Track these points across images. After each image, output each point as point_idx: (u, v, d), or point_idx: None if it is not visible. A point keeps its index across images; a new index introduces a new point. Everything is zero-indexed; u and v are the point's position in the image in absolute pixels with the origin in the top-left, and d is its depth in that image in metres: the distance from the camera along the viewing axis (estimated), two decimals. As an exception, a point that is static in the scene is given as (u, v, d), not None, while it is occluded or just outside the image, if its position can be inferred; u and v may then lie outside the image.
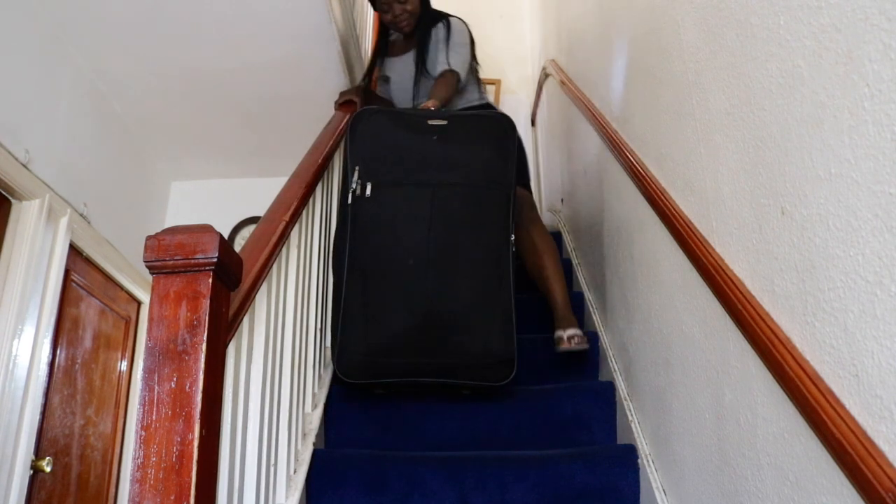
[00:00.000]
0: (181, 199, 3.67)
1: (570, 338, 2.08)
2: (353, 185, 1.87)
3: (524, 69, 4.61)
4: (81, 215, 2.65)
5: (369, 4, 3.32)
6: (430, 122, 1.96)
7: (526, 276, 2.28)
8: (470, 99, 2.49)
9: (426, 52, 2.43)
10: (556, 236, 3.19)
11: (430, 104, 2.08)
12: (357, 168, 1.89)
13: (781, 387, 1.01)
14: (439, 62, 2.35)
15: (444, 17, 2.49)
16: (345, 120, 2.29)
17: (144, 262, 0.98)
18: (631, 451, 1.71)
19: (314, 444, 1.71)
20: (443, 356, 1.75)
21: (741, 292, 1.15)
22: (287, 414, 1.51)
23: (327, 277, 2.09)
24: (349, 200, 1.87)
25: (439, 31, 2.44)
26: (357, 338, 1.75)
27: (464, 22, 2.50)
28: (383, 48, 2.62)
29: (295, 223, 1.62)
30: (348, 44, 2.76)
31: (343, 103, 2.49)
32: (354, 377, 1.77)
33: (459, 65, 2.35)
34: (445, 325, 1.75)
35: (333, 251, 1.96)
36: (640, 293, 1.79)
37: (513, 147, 1.96)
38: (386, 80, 2.59)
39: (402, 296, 1.76)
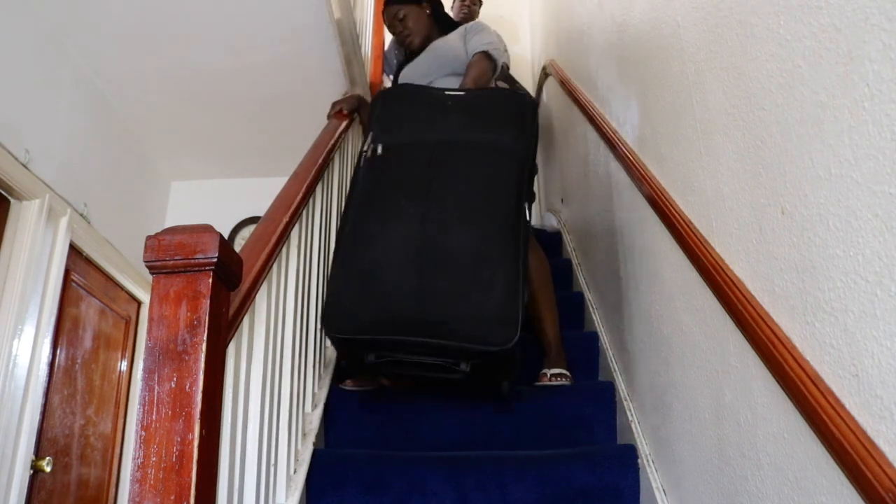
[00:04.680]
0: (181, 199, 3.67)
1: (553, 376, 2.00)
2: (366, 150, 1.82)
3: (524, 69, 4.61)
4: (81, 215, 2.65)
5: (369, 4, 3.32)
6: (448, 93, 1.92)
7: None
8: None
9: (439, 49, 2.37)
10: (556, 236, 3.19)
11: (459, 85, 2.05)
12: (370, 133, 1.85)
13: (781, 387, 1.01)
14: (470, 48, 2.26)
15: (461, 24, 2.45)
16: (340, 127, 2.28)
17: (144, 262, 0.98)
18: (631, 451, 1.71)
19: (314, 444, 1.71)
20: (433, 305, 1.53)
21: (741, 292, 1.15)
22: (287, 414, 1.51)
23: (327, 277, 2.09)
24: (360, 165, 1.82)
25: (458, 31, 2.39)
26: (343, 282, 1.60)
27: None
28: (403, 61, 2.56)
29: (295, 223, 1.62)
30: (348, 44, 2.76)
31: (336, 113, 2.42)
32: (337, 328, 1.58)
33: (492, 47, 2.25)
34: (437, 270, 1.56)
35: (341, 218, 1.88)
36: (640, 293, 1.79)
37: (530, 122, 1.85)
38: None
39: (393, 233, 1.62)
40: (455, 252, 1.57)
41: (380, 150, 1.77)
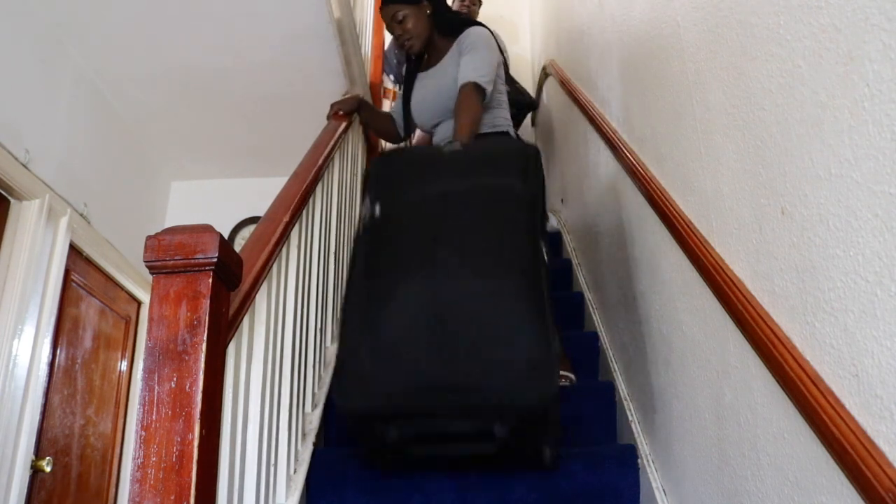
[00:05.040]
0: (181, 199, 3.67)
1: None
2: (365, 213, 1.66)
3: (524, 69, 4.61)
4: (81, 215, 2.65)
5: (369, 4, 3.30)
6: (445, 149, 1.79)
7: None
8: (496, 124, 2.21)
9: (441, 83, 2.20)
10: (556, 236, 3.19)
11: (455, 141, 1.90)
12: (368, 196, 1.69)
13: (781, 387, 1.01)
14: (460, 75, 2.10)
15: (461, 29, 2.22)
16: (340, 127, 2.28)
17: (144, 262, 0.98)
18: (631, 451, 1.71)
19: (314, 444, 1.71)
20: (458, 366, 1.37)
21: (741, 292, 1.15)
22: (287, 414, 1.51)
23: (327, 277, 2.09)
24: (360, 230, 1.65)
25: (454, 50, 2.20)
26: (356, 353, 1.43)
27: (485, 26, 2.26)
28: (412, 66, 2.36)
29: (295, 223, 1.62)
30: (348, 44, 2.76)
31: (334, 114, 2.39)
32: (351, 399, 1.40)
33: (479, 73, 2.07)
34: (457, 329, 1.41)
35: (346, 284, 1.71)
36: (640, 293, 1.79)
37: (537, 173, 1.69)
38: (407, 99, 2.35)
39: (405, 295, 1.46)
40: (474, 307, 1.43)
41: (377, 211, 1.64)
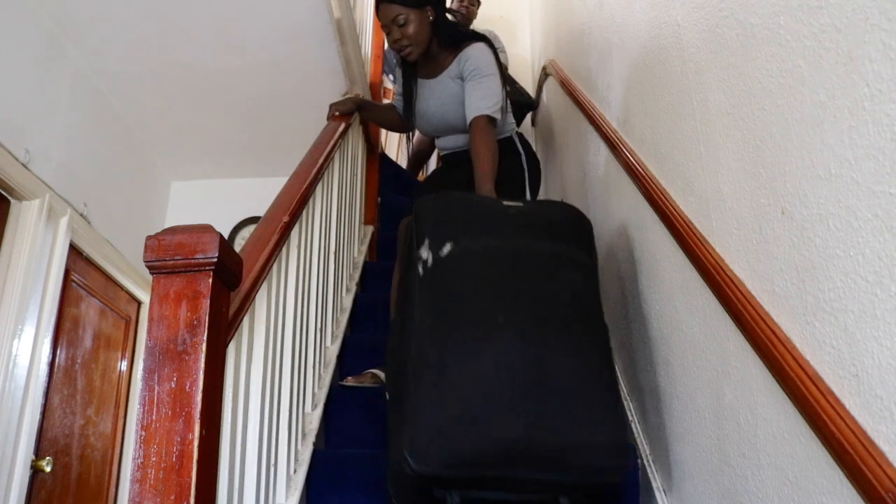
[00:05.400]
0: (181, 199, 3.67)
1: None
2: (424, 256, 1.49)
3: (524, 69, 4.61)
4: (81, 215, 2.65)
5: (369, 4, 3.28)
6: (507, 203, 1.64)
7: None
8: (501, 130, 2.16)
9: (445, 100, 2.12)
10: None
11: (486, 191, 1.84)
12: (426, 239, 1.51)
13: (781, 387, 1.01)
14: (468, 107, 2.01)
15: (460, 42, 2.11)
16: (340, 128, 2.27)
17: (144, 262, 0.99)
18: (631, 452, 1.71)
19: (314, 444, 1.71)
20: (544, 436, 1.30)
21: (741, 292, 1.15)
22: (287, 414, 1.51)
23: (327, 277, 2.09)
24: (420, 274, 1.48)
25: (453, 67, 2.10)
26: (431, 411, 1.31)
27: (485, 40, 2.12)
28: (409, 68, 2.23)
29: (295, 223, 1.62)
30: (348, 44, 2.76)
31: (332, 116, 2.36)
32: (428, 462, 1.28)
33: (488, 104, 2.00)
34: (544, 395, 1.34)
35: (392, 342, 1.61)
36: (639, 293, 1.79)
37: (592, 247, 1.62)
38: (409, 101, 2.26)
39: (488, 352, 1.35)
40: (561, 374, 1.36)
41: (445, 252, 1.48)
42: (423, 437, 1.30)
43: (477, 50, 2.07)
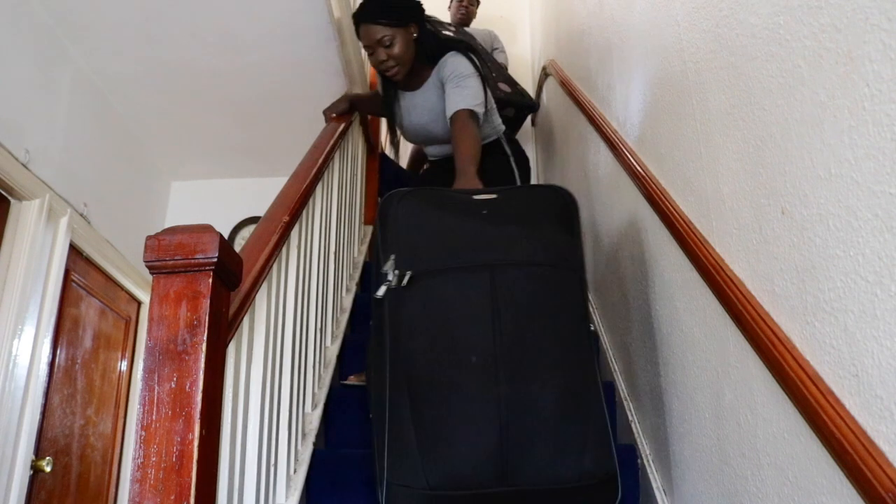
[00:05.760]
0: (181, 199, 3.67)
1: None
2: (389, 277, 1.43)
3: (524, 69, 4.61)
4: (81, 215, 2.65)
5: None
6: (476, 198, 1.57)
7: None
8: (486, 134, 2.16)
9: (426, 115, 2.13)
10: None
11: (462, 183, 1.78)
12: (392, 257, 1.46)
13: (781, 387, 1.01)
14: (449, 105, 1.99)
15: (438, 55, 2.08)
16: (340, 127, 2.28)
17: (144, 262, 0.98)
18: (631, 452, 1.71)
19: (314, 444, 1.70)
20: (526, 481, 1.29)
21: (741, 292, 1.15)
22: (287, 414, 1.51)
23: (327, 277, 2.09)
24: (380, 294, 1.43)
25: (433, 80, 2.10)
26: (412, 473, 1.30)
27: (462, 52, 2.09)
28: (390, 82, 2.17)
29: (295, 223, 1.62)
30: (348, 44, 2.76)
31: (329, 118, 2.36)
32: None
33: (469, 101, 1.96)
34: (526, 443, 1.31)
35: (368, 362, 1.60)
36: (640, 293, 1.79)
37: (578, 223, 1.57)
38: (392, 110, 2.25)
39: (467, 410, 1.33)
40: (540, 418, 1.34)
41: (406, 278, 1.42)
42: (401, 501, 1.31)
43: (452, 57, 2.06)
